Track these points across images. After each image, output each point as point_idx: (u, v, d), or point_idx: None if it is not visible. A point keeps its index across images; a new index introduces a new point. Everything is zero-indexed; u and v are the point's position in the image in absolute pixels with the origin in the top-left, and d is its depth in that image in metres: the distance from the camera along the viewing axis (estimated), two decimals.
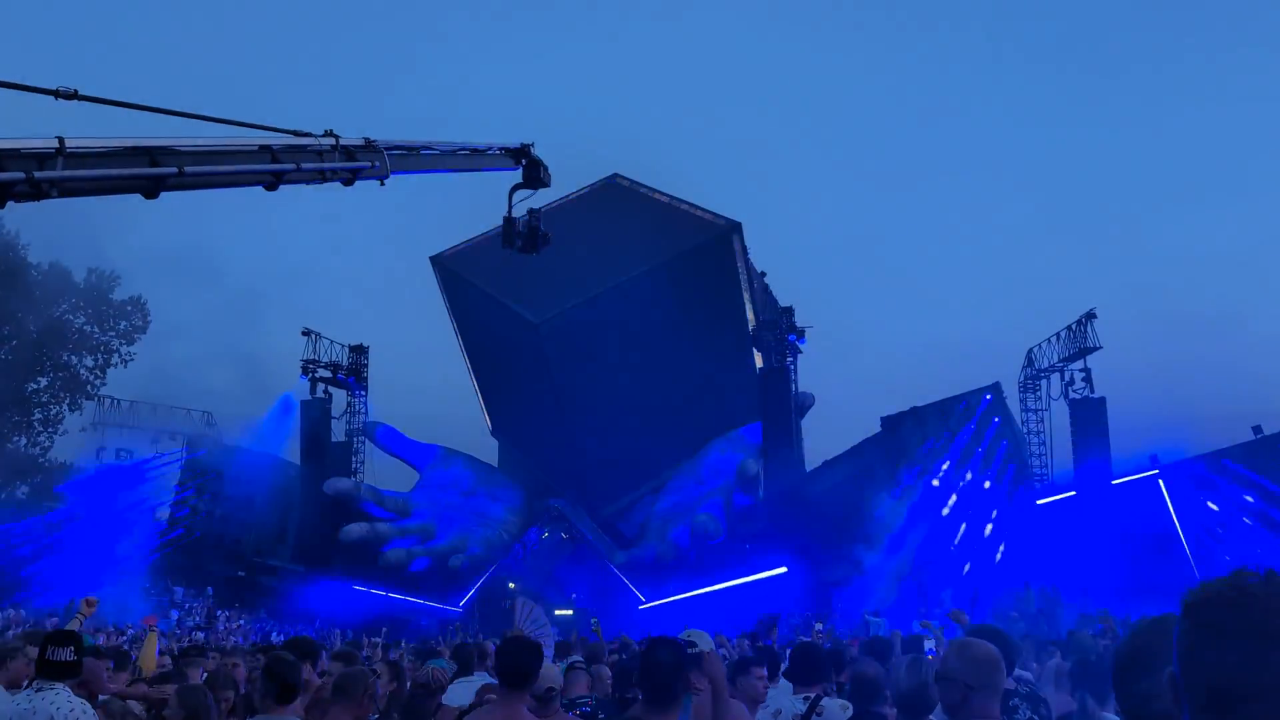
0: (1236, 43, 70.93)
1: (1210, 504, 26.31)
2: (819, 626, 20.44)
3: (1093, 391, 28.19)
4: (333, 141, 7.25)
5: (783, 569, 27.58)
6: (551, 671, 5.16)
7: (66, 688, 5.08)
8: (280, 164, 6.87)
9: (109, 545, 30.77)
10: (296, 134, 7.07)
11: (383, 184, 7.69)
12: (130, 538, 31.39)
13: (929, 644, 10.13)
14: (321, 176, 7.22)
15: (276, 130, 6.97)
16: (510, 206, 8.88)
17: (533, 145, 8.85)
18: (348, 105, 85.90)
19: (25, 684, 5.86)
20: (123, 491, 32.11)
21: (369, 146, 7.51)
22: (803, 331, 29.99)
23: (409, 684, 6.96)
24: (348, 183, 7.48)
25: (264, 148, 6.81)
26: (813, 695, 5.47)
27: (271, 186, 6.92)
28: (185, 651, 9.70)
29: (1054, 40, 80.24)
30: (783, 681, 6.56)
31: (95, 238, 37.88)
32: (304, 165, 7.00)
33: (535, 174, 8.84)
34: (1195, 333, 53.85)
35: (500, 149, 8.73)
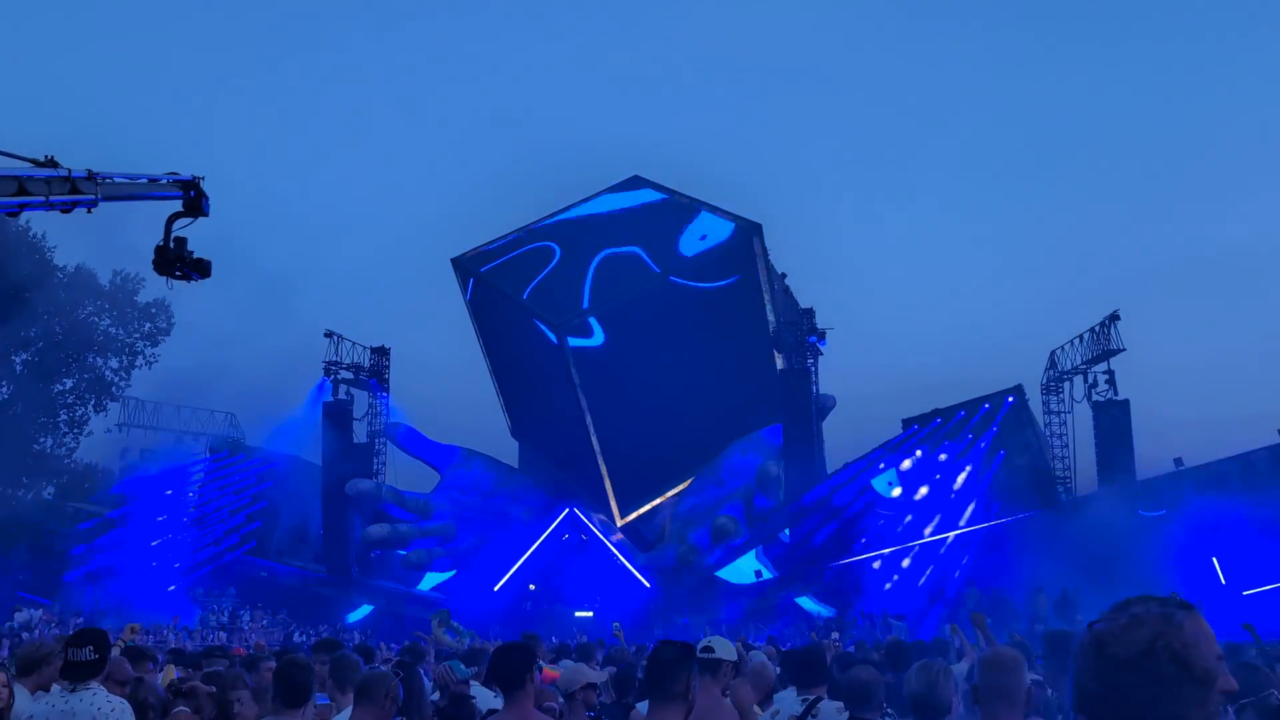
0: (1271, 30, 70.14)
1: (1236, 508, 26.01)
2: (835, 635, 20.38)
3: (1116, 394, 27.99)
4: (65, 173, 7.56)
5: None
6: (581, 672, 5.20)
7: (101, 686, 5.11)
8: (31, 195, 7.20)
9: (138, 546, 31.06)
10: (36, 164, 7.40)
11: (90, 211, 8.06)
12: (160, 539, 31.68)
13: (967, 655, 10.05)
14: (49, 206, 7.57)
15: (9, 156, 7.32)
16: (167, 235, 9.08)
17: (202, 179, 9.21)
18: (359, 103, 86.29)
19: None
20: (153, 493, 32.42)
21: (90, 178, 7.84)
22: (824, 333, 29.91)
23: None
24: (66, 211, 7.84)
25: (13, 178, 7.10)
26: (812, 697, 5.46)
27: (14, 214, 7.26)
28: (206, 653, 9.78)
29: (1072, 35, 79.71)
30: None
31: (118, 238, 38.23)
32: (52, 199, 7.39)
33: (197, 204, 9.16)
34: (1221, 334, 53.39)
35: (172, 179, 9.05)
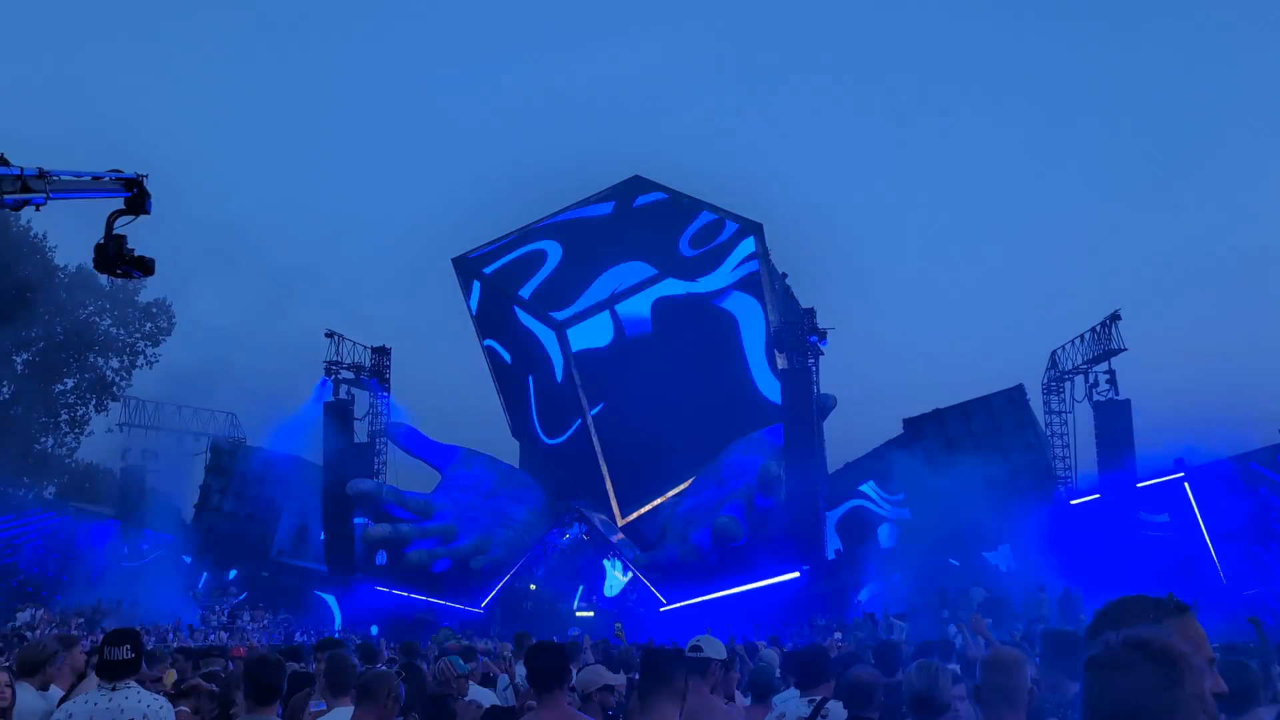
0: (1274, 29, 70.12)
1: (1237, 508, 26.03)
2: (837, 635, 20.35)
3: (1117, 394, 27.99)
4: (17, 171, 7.75)
5: (795, 574, 27.52)
6: (599, 673, 5.22)
7: (138, 685, 5.11)
8: None
9: (139, 547, 31.09)
10: None
11: (38, 209, 8.19)
12: (161, 538, 31.72)
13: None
14: (1, 205, 7.68)
15: None
16: (108, 232, 9.07)
17: (146, 177, 9.29)
18: (365, 98, 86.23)
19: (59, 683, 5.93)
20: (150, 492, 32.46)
21: (41, 176, 8.00)
22: (824, 333, 29.88)
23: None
24: (16, 208, 7.98)
25: None
26: (818, 698, 5.44)
27: None
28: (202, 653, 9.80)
29: (1073, 35, 79.68)
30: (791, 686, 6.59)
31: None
32: (5, 197, 7.51)
33: (140, 202, 9.18)
34: (1222, 334, 53.39)
35: (115, 177, 9.12)
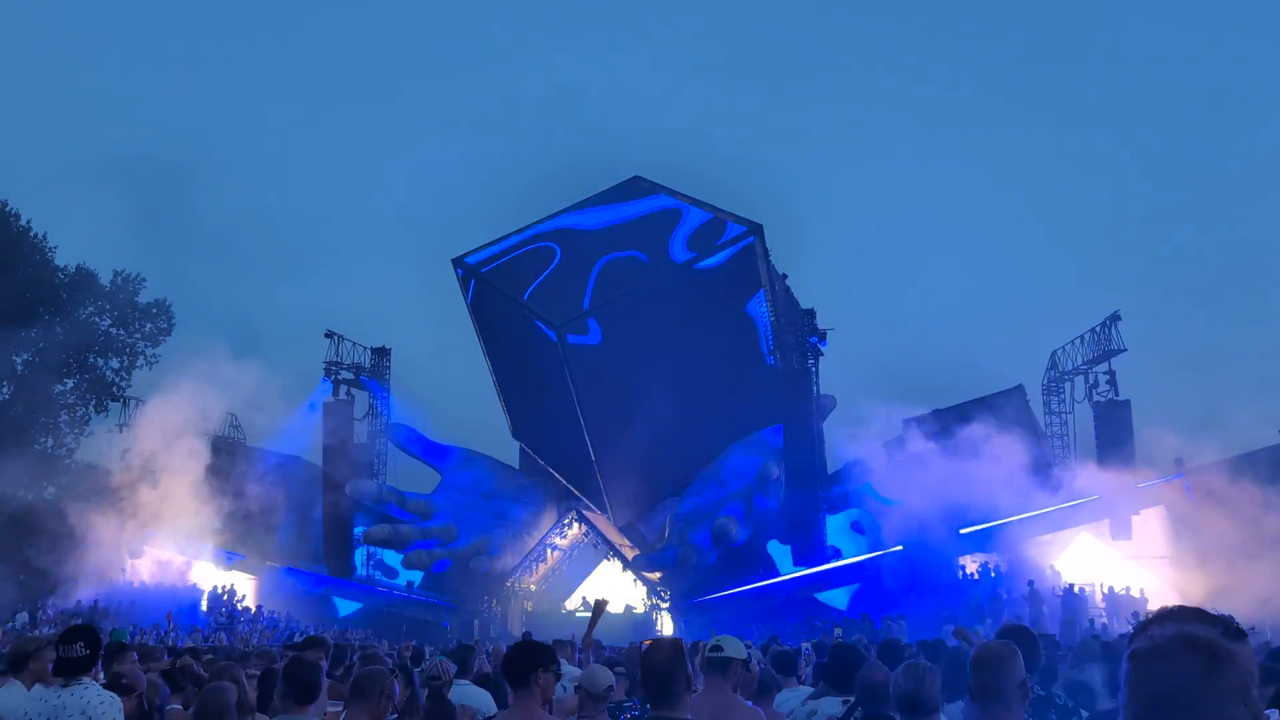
0: (1274, 31, 70.13)
1: (1237, 510, 25.93)
2: (838, 633, 20.35)
3: (1117, 394, 27.96)
4: None
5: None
6: (605, 672, 5.19)
7: (93, 681, 5.13)
8: None
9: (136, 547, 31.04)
10: None
11: None
12: (158, 538, 31.68)
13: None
14: None
15: None
16: None
17: None
18: (362, 104, 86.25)
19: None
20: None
21: None
22: (824, 334, 29.88)
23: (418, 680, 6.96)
24: None
25: None
26: (852, 699, 5.40)
27: None
28: (179, 653, 9.78)
29: (1070, 36, 79.66)
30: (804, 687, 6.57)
31: (119, 238, 38.23)
32: None
33: None
34: (1222, 334, 53.38)
35: None
